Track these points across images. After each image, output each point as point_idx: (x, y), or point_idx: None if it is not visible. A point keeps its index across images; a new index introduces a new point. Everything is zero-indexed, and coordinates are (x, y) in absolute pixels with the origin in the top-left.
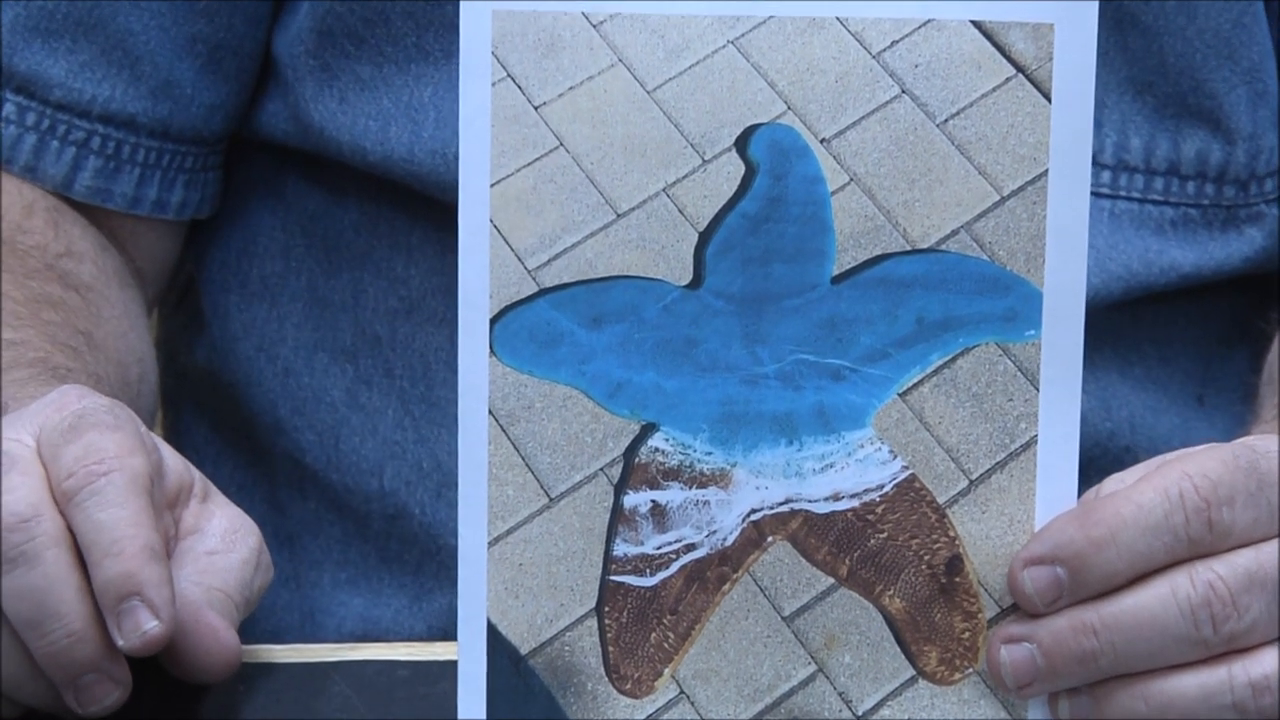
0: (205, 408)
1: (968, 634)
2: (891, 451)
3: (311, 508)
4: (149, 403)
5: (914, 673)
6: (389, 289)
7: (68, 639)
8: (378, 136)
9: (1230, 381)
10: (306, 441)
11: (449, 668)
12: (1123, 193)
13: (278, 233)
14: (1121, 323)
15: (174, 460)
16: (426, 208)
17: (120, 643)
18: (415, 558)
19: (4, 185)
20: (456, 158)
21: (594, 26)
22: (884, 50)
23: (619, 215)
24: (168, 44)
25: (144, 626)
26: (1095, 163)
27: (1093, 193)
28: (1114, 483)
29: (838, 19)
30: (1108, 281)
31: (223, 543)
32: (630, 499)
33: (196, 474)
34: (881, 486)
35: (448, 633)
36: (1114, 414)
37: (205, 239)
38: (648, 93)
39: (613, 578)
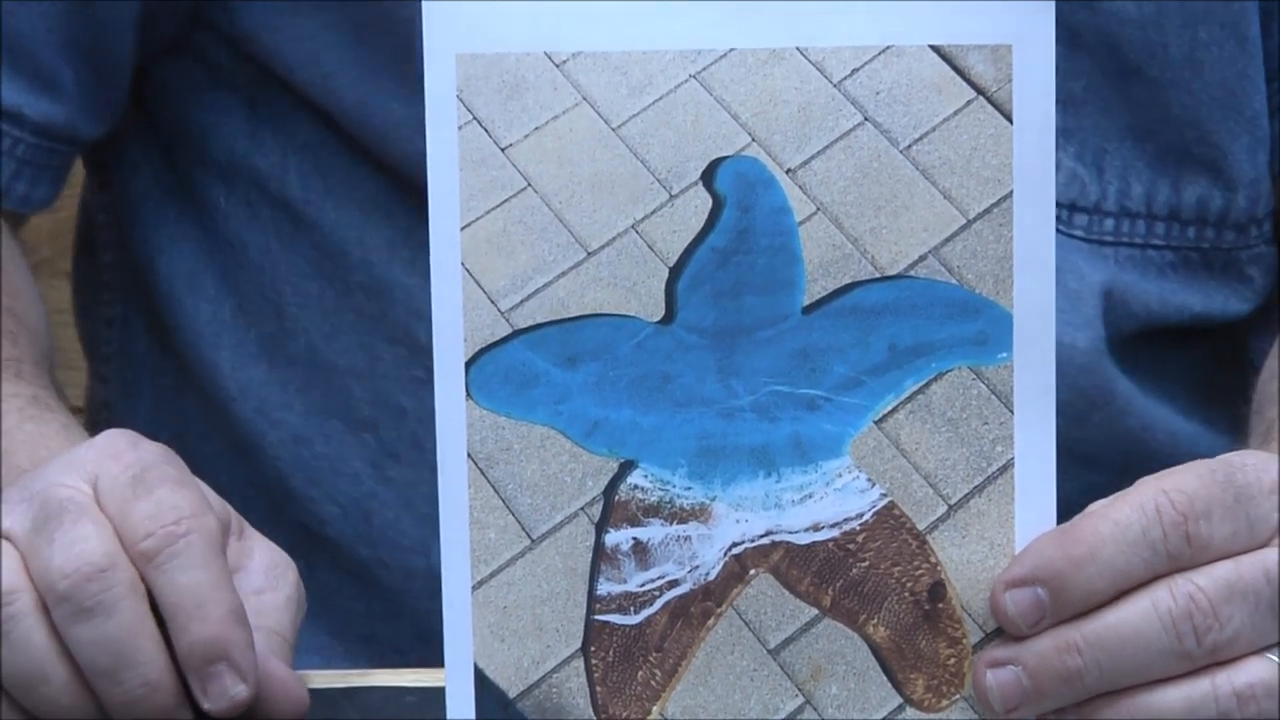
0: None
1: (953, 660)
2: (869, 480)
3: (326, 578)
4: (50, 354)
5: (901, 701)
6: (409, 356)
7: (143, 688)
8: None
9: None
10: (328, 513)
11: None
12: (1125, 238)
13: (273, 289)
14: (1153, 358)
15: (214, 499)
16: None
17: (206, 705)
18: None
19: None
20: None
21: (557, 66)
22: (845, 79)
23: (589, 253)
24: (52, 43)
25: (231, 690)
26: (1098, 210)
27: (1096, 240)
28: (1097, 506)
29: (798, 49)
30: (1124, 320)
31: (267, 580)
32: (612, 537)
33: (233, 511)
34: (861, 515)
35: None
36: (1156, 436)
37: (183, 287)
38: (613, 130)
39: (597, 617)
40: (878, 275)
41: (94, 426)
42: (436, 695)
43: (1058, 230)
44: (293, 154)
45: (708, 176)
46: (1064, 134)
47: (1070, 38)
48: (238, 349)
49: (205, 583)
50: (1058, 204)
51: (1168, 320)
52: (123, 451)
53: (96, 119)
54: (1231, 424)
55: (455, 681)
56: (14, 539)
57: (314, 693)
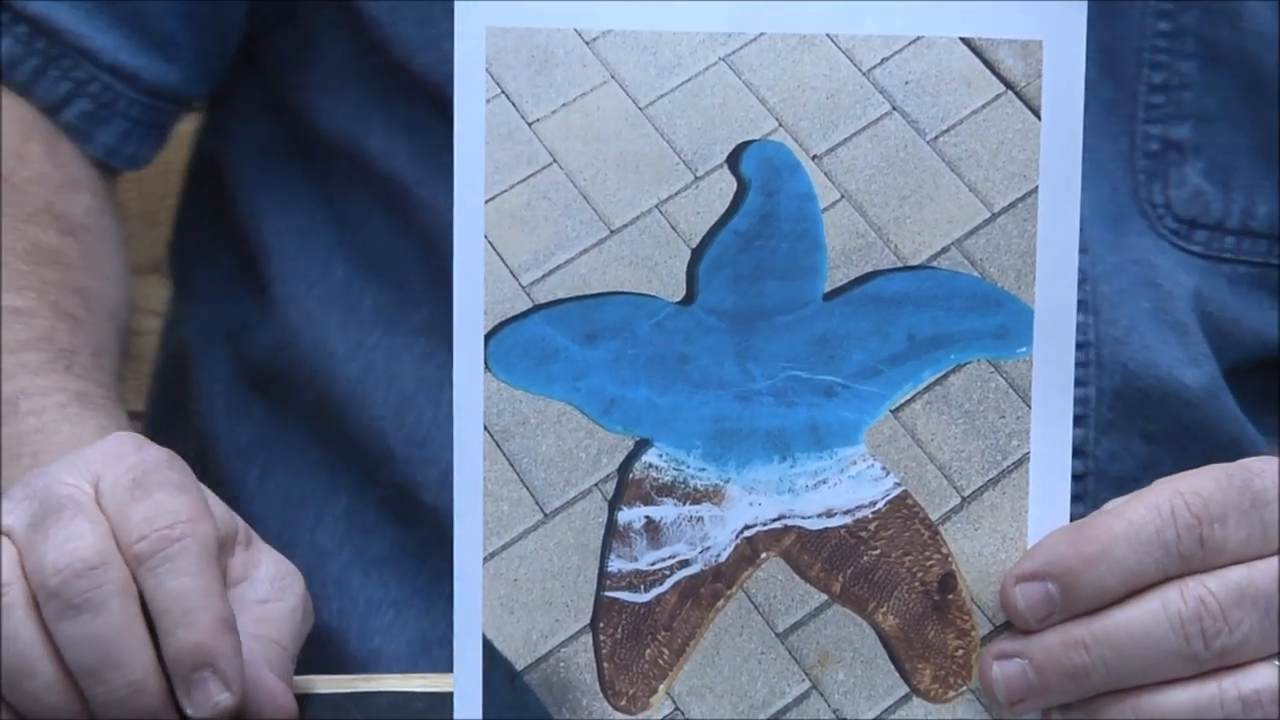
0: (273, 405)
1: (961, 651)
2: (884, 468)
3: (417, 540)
4: (125, 344)
5: (908, 690)
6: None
7: (127, 688)
8: None
9: None
10: (426, 477)
11: None
12: (1244, 256)
13: (392, 261)
14: (1264, 389)
15: (219, 508)
16: None
17: (190, 711)
18: None
19: (8, 107)
20: None
21: (587, 44)
22: (874, 67)
23: (612, 231)
24: (171, 8)
25: (215, 698)
26: (1220, 227)
27: (1214, 256)
28: (1112, 504)
29: (828, 36)
30: (1244, 343)
31: (273, 590)
32: (625, 515)
33: (239, 521)
34: (874, 503)
35: None
36: None
37: (294, 245)
38: (640, 109)
39: (607, 593)
40: (900, 265)
41: (166, 363)
42: (445, 700)
43: (1175, 245)
44: (402, 134)
45: (733, 159)
46: (1193, 150)
47: (1208, 53)
48: (350, 312)
49: (196, 589)
50: (1178, 219)
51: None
52: (127, 454)
53: (205, 81)
54: None
55: (463, 652)
56: (13, 535)
57: (321, 698)
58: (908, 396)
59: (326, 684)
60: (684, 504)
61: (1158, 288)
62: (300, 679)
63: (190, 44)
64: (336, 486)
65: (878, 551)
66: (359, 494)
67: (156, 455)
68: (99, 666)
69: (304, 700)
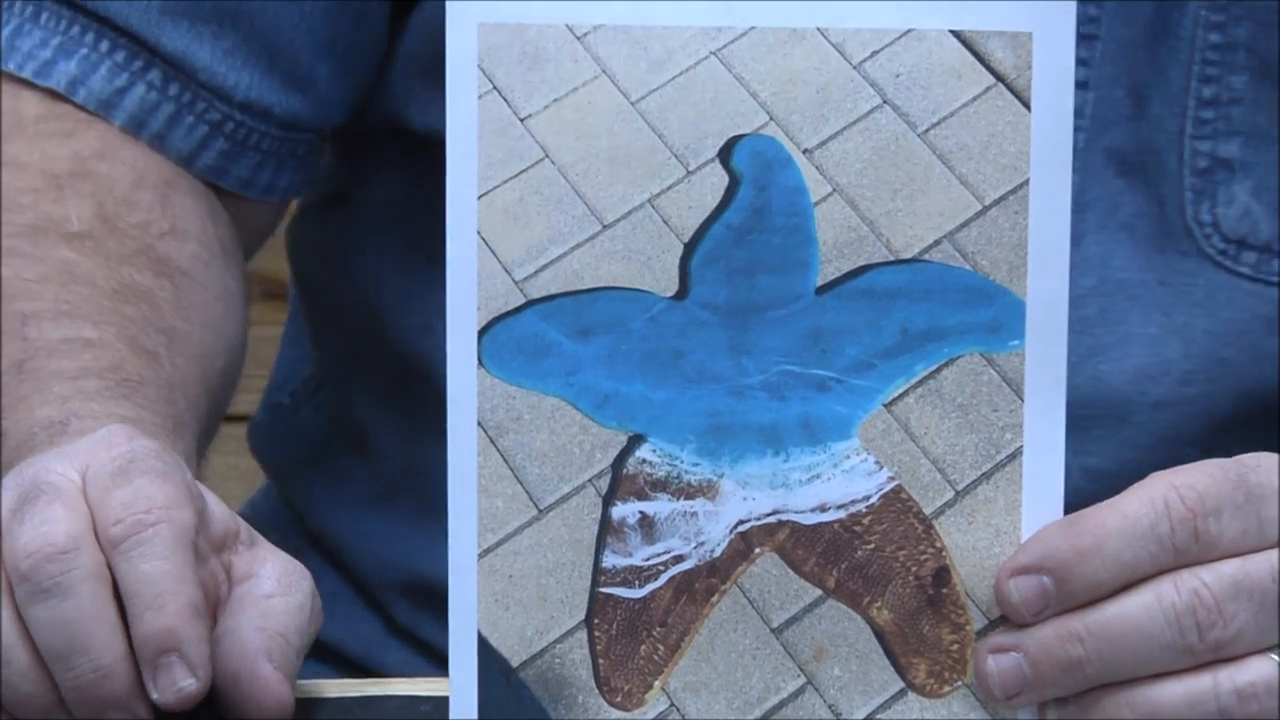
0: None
1: (956, 646)
2: (878, 462)
3: None
4: (228, 394)
5: (903, 685)
6: None
7: (94, 673)
8: None
9: None
10: None
11: None
12: None
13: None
14: None
15: (219, 507)
16: None
17: (155, 696)
18: None
19: (121, 156)
20: None
21: (578, 39)
22: (865, 60)
23: (605, 226)
24: (311, 43)
25: (180, 683)
26: (1268, 249)
27: (1262, 280)
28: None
29: (819, 30)
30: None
31: (279, 586)
32: (619, 510)
33: (242, 522)
34: (868, 497)
35: None
36: None
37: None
38: (632, 104)
39: (602, 589)
40: (892, 258)
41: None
42: (448, 706)
43: (1223, 266)
44: None
45: (725, 154)
46: (1243, 168)
47: (1262, 69)
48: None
49: (167, 574)
50: (1227, 239)
51: None
52: (117, 443)
53: (339, 111)
54: None
55: (458, 648)
56: None
57: (327, 702)
58: (901, 390)
59: (335, 688)
60: (678, 499)
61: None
62: (307, 683)
63: (326, 77)
64: None
65: (872, 546)
66: None
67: (146, 445)
68: (66, 651)
69: (311, 705)
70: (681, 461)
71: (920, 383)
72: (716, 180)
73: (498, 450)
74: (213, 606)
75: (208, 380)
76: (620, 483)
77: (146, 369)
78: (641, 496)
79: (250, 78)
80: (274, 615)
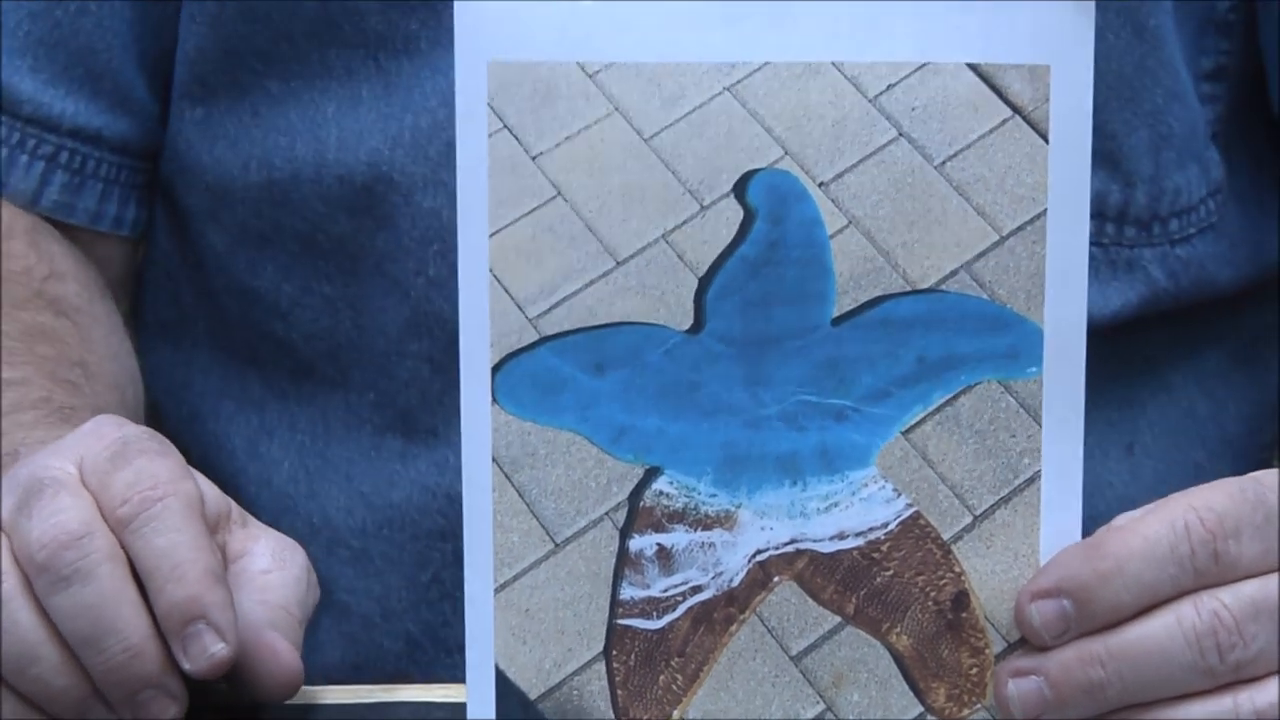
0: None
1: (975, 670)
2: (895, 490)
3: None
4: (139, 419)
5: (922, 710)
6: (284, 348)
7: (125, 654)
8: (285, 153)
9: (1162, 429)
10: None
11: None
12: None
13: (173, 274)
14: None
15: (210, 489)
16: (319, 257)
17: (187, 666)
18: None
19: None
20: (361, 184)
21: (589, 76)
22: (880, 94)
23: (619, 263)
24: (127, 59)
25: (211, 649)
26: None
27: None
28: (1124, 519)
29: (833, 64)
30: None
31: (274, 561)
32: (636, 542)
33: (233, 503)
34: (886, 524)
35: (330, 677)
36: None
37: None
38: (645, 140)
39: (620, 621)
40: (908, 289)
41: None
42: (462, 711)
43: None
44: None
45: (739, 188)
46: None
47: None
48: (144, 331)
49: (182, 544)
50: None
51: None
52: (107, 432)
53: (162, 130)
54: (1115, 448)
55: (476, 682)
56: (0, 524)
57: (339, 708)
58: (918, 418)
59: (344, 695)
60: (695, 530)
61: None
62: (316, 689)
63: (143, 94)
64: None
65: (890, 572)
66: None
67: (137, 430)
68: (95, 635)
69: (318, 711)
70: (699, 493)
71: (937, 410)
72: (731, 215)
73: (513, 486)
74: None
75: (125, 408)
76: (637, 515)
77: (73, 398)
78: (659, 528)
79: (76, 104)
80: (273, 589)
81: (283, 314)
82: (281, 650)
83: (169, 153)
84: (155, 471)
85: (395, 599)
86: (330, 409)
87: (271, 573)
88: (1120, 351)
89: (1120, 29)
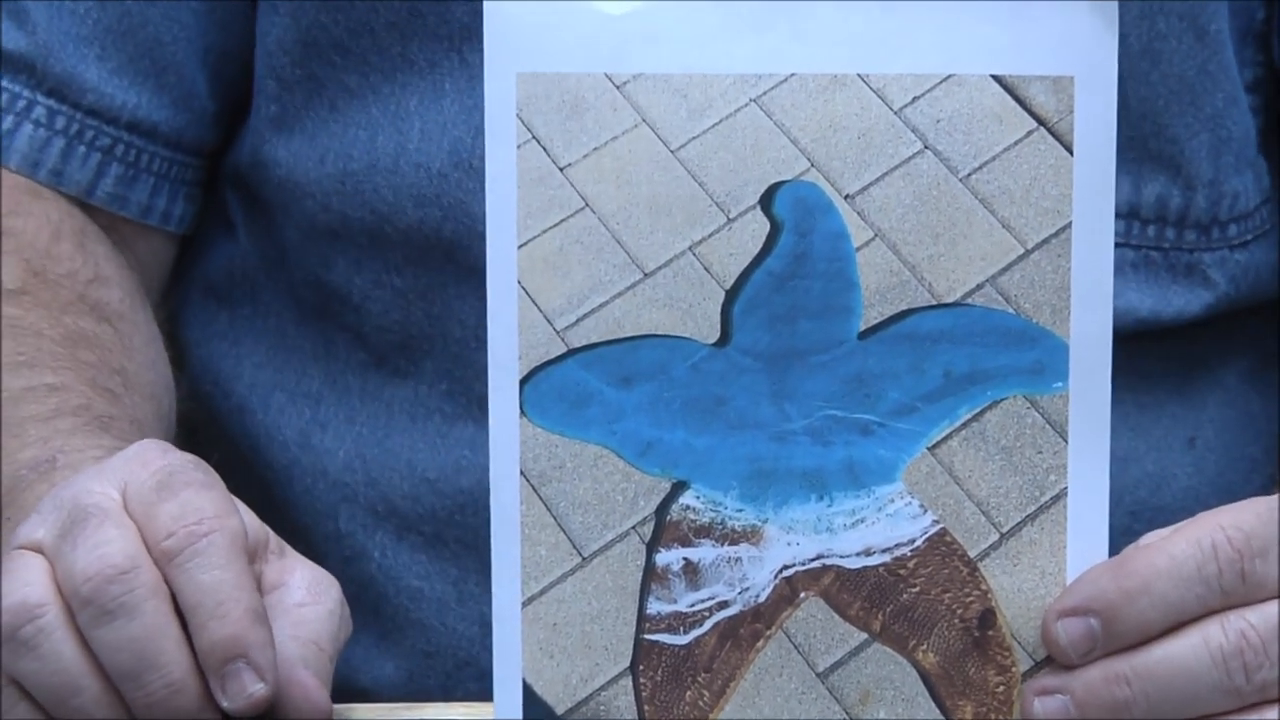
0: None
1: (1001, 687)
2: (922, 506)
3: None
4: (172, 429)
5: None
6: (355, 341)
7: (166, 689)
8: (365, 145)
9: (1221, 424)
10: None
11: None
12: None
13: (250, 272)
14: None
15: (250, 518)
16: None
17: (225, 704)
18: (373, 600)
19: (33, 210)
20: (439, 171)
21: (617, 88)
22: (906, 106)
23: (646, 275)
24: (191, 55)
25: (250, 689)
26: None
27: None
28: (1152, 537)
29: (859, 76)
30: None
31: (309, 594)
32: (662, 557)
33: (271, 532)
34: (913, 541)
35: (413, 674)
36: None
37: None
38: (672, 152)
39: (647, 636)
40: (934, 303)
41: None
42: None
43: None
44: None
45: (766, 201)
46: None
47: None
48: (205, 328)
49: (226, 582)
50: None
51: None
52: (152, 459)
53: (216, 129)
54: (1177, 442)
55: (503, 697)
56: (44, 548)
57: None
58: (944, 434)
59: (369, 712)
60: (722, 545)
61: None
62: (340, 706)
63: (203, 90)
64: None
65: (917, 589)
66: None
67: (182, 458)
68: (137, 670)
69: None
70: (725, 507)
71: (964, 426)
72: (758, 227)
73: (540, 499)
74: None
75: (161, 417)
76: (664, 529)
77: (112, 407)
78: (685, 543)
79: (139, 96)
80: (306, 623)
81: (355, 307)
82: (312, 689)
83: (247, 148)
84: (201, 505)
85: (472, 582)
86: (396, 400)
87: (306, 606)
88: (1181, 350)
89: (1183, 33)
